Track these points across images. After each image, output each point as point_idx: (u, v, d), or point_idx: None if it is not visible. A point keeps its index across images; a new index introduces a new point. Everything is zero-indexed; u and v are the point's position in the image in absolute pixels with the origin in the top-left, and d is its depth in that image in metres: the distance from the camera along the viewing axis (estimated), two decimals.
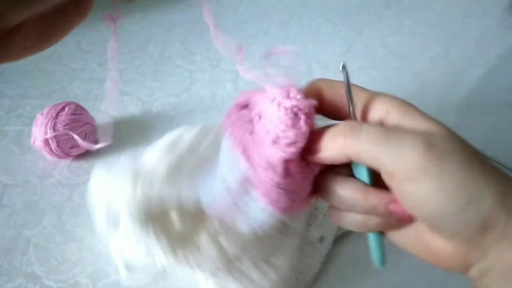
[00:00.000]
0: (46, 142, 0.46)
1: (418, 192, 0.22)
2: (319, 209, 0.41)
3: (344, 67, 0.24)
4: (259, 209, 0.26)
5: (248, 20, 0.82)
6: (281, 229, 0.31)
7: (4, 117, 0.56)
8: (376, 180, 0.24)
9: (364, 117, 0.25)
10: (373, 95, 0.25)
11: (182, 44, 0.73)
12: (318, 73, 0.65)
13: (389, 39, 0.77)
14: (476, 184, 0.21)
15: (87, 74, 0.65)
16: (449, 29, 0.80)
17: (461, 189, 0.21)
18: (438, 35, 0.78)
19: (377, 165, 0.22)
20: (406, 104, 0.24)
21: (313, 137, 0.24)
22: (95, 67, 0.67)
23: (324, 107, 0.26)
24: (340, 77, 0.25)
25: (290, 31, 0.79)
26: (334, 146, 0.24)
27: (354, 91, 0.25)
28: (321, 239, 0.40)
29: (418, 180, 0.21)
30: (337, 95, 0.26)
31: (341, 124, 0.24)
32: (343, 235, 0.42)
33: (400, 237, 0.25)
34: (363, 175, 0.25)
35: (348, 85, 0.24)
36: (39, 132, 0.47)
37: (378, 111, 0.25)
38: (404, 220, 0.24)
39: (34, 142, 0.48)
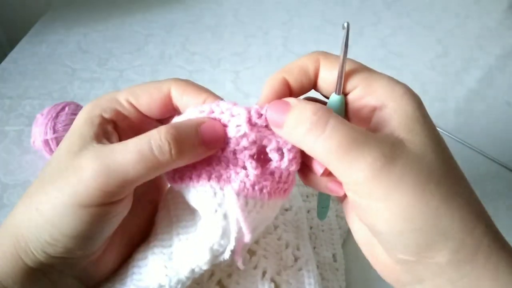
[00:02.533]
0: (46, 142, 0.46)
1: (362, 206, 0.22)
2: (315, 227, 0.41)
3: (347, 26, 0.24)
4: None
5: (248, 20, 0.82)
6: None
7: (4, 117, 0.56)
8: None
9: (359, 100, 0.25)
10: (379, 81, 0.25)
11: (182, 44, 0.73)
12: None
13: (389, 39, 0.77)
14: (421, 213, 0.20)
15: (87, 74, 0.65)
16: (449, 29, 0.80)
17: (404, 215, 0.21)
18: (438, 35, 0.78)
19: (329, 168, 0.23)
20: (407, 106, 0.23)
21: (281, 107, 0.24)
22: (95, 67, 0.67)
23: (319, 81, 0.26)
24: None
25: (290, 31, 0.79)
26: (294, 134, 0.23)
27: (354, 67, 0.25)
28: (334, 257, 0.39)
29: (364, 198, 0.22)
30: (332, 73, 0.26)
31: (308, 112, 0.23)
32: (344, 242, 0.42)
33: (357, 234, 0.26)
34: None
35: (345, 47, 0.24)
36: (39, 132, 0.47)
37: (374, 99, 0.24)
38: (340, 198, 0.26)
39: (34, 142, 0.48)
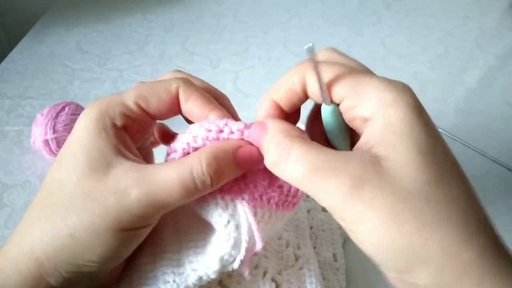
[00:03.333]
0: (46, 142, 0.46)
1: (344, 225, 0.21)
2: (315, 227, 0.41)
3: (310, 49, 0.22)
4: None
5: (248, 20, 0.82)
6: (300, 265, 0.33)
7: (4, 117, 0.56)
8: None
9: (350, 111, 0.23)
10: (362, 86, 0.23)
11: (182, 44, 0.73)
12: None
13: (389, 39, 0.77)
14: (394, 241, 0.19)
15: (87, 74, 0.65)
16: (449, 29, 0.80)
17: (377, 241, 0.20)
18: (438, 35, 0.78)
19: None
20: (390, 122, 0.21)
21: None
22: (95, 67, 0.67)
23: (309, 94, 0.25)
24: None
25: (290, 31, 0.79)
26: (266, 163, 0.24)
27: (340, 72, 0.23)
28: (335, 256, 0.39)
29: (340, 220, 0.21)
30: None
31: (272, 143, 0.23)
32: (344, 242, 0.42)
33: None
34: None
35: (317, 69, 0.22)
36: (39, 132, 0.47)
37: (362, 110, 0.22)
38: None
39: (34, 142, 0.48)
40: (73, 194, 0.23)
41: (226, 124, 0.25)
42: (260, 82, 0.64)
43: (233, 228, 0.24)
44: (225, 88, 0.63)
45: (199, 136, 0.25)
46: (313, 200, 0.42)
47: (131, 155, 0.25)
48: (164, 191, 0.23)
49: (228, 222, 0.24)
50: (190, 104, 0.26)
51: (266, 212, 0.26)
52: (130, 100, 0.26)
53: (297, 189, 0.27)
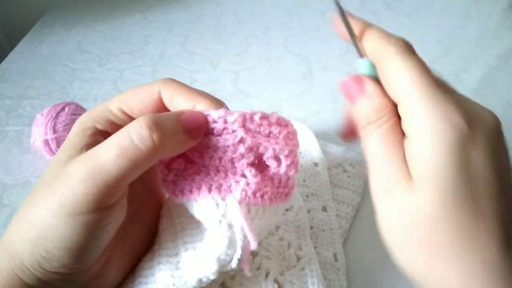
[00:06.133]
0: (46, 142, 0.46)
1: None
2: (316, 227, 0.41)
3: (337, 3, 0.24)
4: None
5: (248, 20, 0.82)
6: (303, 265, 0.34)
7: (4, 117, 0.56)
8: None
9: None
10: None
11: (182, 44, 0.73)
12: (318, 73, 0.65)
13: None
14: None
15: (87, 74, 0.65)
16: (449, 29, 0.80)
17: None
18: (438, 35, 0.78)
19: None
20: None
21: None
22: (95, 67, 0.67)
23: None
24: None
25: (290, 31, 0.79)
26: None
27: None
28: (335, 256, 0.39)
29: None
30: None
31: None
32: (345, 242, 0.41)
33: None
34: None
35: (346, 20, 0.24)
36: (39, 132, 0.47)
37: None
38: None
39: (34, 142, 0.48)
40: (40, 184, 0.24)
41: (208, 114, 0.25)
42: (260, 82, 0.64)
43: (225, 228, 0.24)
44: (225, 89, 0.63)
45: None
46: (313, 200, 0.43)
47: None
48: (103, 160, 0.22)
49: (220, 222, 0.24)
50: (176, 100, 0.26)
51: (260, 209, 0.26)
52: (113, 106, 0.26)
53: (288, 179, 0.27)
